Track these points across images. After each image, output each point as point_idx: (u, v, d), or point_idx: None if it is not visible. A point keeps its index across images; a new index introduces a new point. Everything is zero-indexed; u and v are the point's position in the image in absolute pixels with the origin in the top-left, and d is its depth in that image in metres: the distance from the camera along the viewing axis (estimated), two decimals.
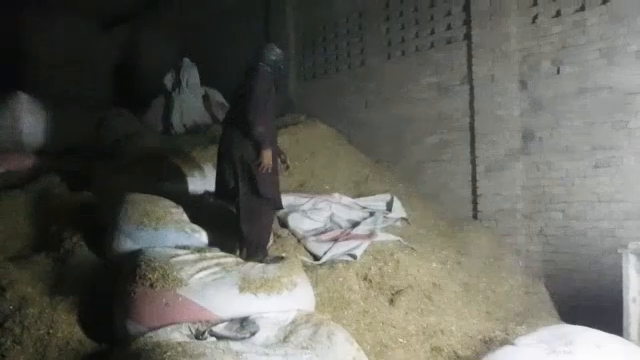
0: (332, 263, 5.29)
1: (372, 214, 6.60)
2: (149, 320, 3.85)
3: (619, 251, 4.94)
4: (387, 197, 7.07)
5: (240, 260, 4.54)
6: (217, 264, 4.30)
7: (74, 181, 6.44)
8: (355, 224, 6.27)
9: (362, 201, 6.98)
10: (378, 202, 7.00)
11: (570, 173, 6.50)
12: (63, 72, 10.66)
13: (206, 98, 9.20)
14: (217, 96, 9.38)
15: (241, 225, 4.76)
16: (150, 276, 4.00)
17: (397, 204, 6.90)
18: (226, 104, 9.23)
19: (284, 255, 5.01)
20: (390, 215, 6.66)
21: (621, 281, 4.90)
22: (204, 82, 9.42)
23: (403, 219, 6.73)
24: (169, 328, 3.73)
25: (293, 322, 3.91)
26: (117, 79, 11.84)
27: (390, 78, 8.56)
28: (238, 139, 4.74)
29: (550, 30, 6.67)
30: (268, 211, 4.90)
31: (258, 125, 4.57)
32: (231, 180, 4.81)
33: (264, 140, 4.60)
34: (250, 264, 4.39)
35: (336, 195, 6.81)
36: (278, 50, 5.05)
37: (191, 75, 9.09)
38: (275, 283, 4.09)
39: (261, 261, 4.56)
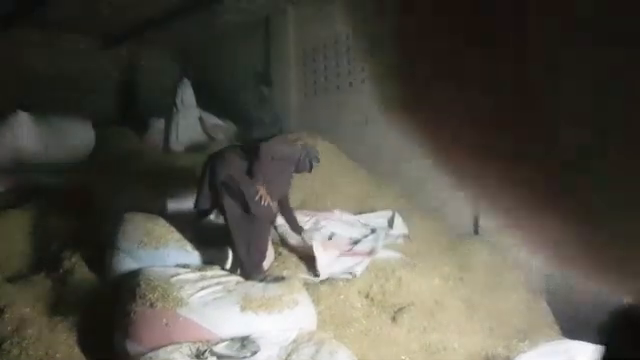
0: (333, 281, 5.26)
1: (373, 231, 6.56)
2: (149, 340, 3.83)
3: None
4: (388, 213, 7.03)
5: (241, 279, 4.53)
6: (218, 283, 4.29)
7: (74, 199, 6.42)
8: (356, 241, 6.24)
9: (363, 218, 6.94)
10: (379, 219, 6.96)
11: None
12: (63, 89, 10.67)
13: (201, 120, 9.23)
14: (211, 119, 9.40)
15: (235, 245, 4.76)
16: (150, 295, 3.98)
17: (398, 220, 6.86)
18: (222, 124, 9.26)
19: (285, 273, 4.99)
20: (392, 232, 6.62)
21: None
22: (202, 100, 9.43)
23: (405, 236, 6.69)
24: (169, 348, 3.71)
25: (295, 341, 3.89)
26: (118, 97, 11.86)
27: None
28: (228, 162, 4.84)
29: None
30: (261, 229, 4.90)
31: (258, 181, 4.75)
32: (206, 198, 4.91)
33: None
34: (251, 283, 4.39)
35: (337, 212, 6.78)
36: (318, 155, 5.42)
37: (186, 94, 9.11)
38: (276, 302, 4.07)
39: (262, 280, 4.54)
